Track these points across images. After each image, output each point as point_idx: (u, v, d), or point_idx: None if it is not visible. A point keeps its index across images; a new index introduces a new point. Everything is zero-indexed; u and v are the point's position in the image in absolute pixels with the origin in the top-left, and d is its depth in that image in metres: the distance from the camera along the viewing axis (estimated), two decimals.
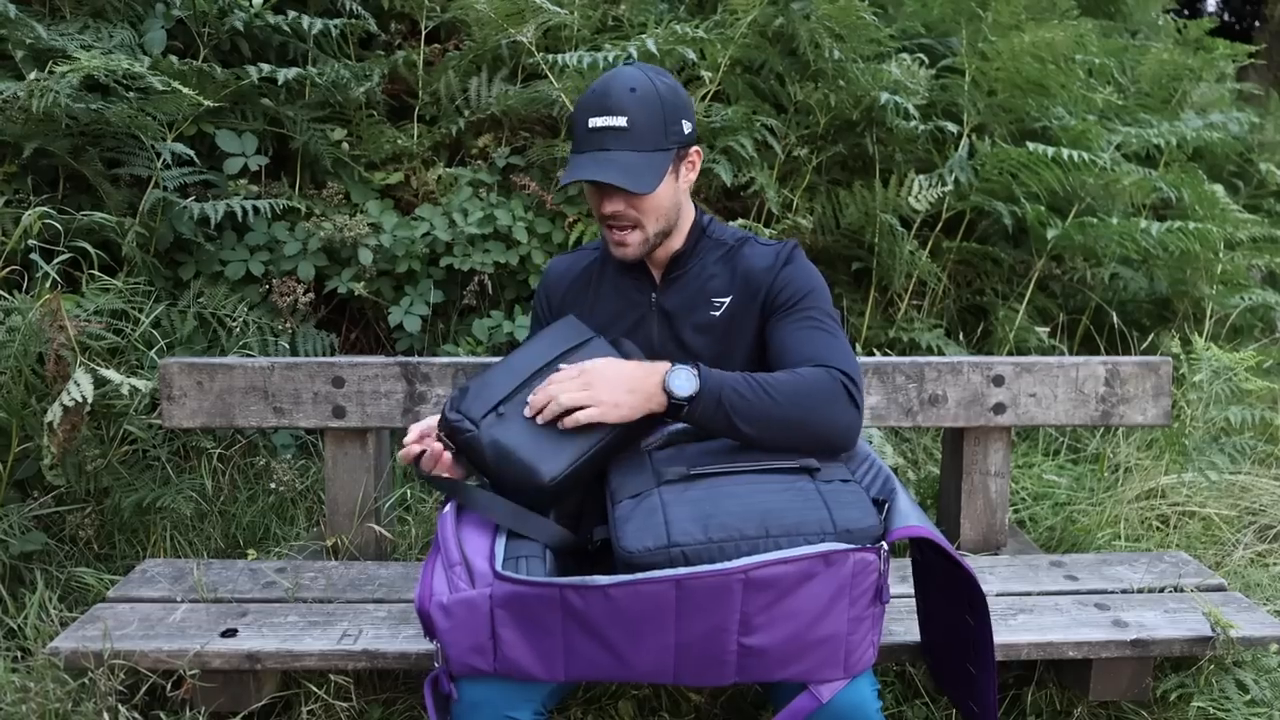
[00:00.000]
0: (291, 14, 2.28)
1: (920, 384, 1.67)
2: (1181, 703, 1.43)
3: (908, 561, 1.52)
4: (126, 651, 1.29)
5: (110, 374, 1.68)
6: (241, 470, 2.13)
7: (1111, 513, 2.01)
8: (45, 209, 1.85)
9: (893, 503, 1.08)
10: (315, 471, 2.19)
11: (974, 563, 1.60)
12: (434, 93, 2.57)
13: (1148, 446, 2.36)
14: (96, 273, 1.95)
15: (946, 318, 2.80)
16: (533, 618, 1.03)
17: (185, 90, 1.96)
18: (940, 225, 2.66)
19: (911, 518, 1.06)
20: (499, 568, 1.06)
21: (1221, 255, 2.86)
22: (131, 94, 2.04)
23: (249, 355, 2.14)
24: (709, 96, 2.43)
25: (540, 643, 1.04)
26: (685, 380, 1.09)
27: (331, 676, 1.42)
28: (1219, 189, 2.84)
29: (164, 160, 2.11)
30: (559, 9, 2.34)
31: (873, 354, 2.47)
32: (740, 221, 2.49)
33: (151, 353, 1.96)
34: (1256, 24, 8.24)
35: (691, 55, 2.35)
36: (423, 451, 1.17)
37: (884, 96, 2.43)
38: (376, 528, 1.72)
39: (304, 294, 2.28)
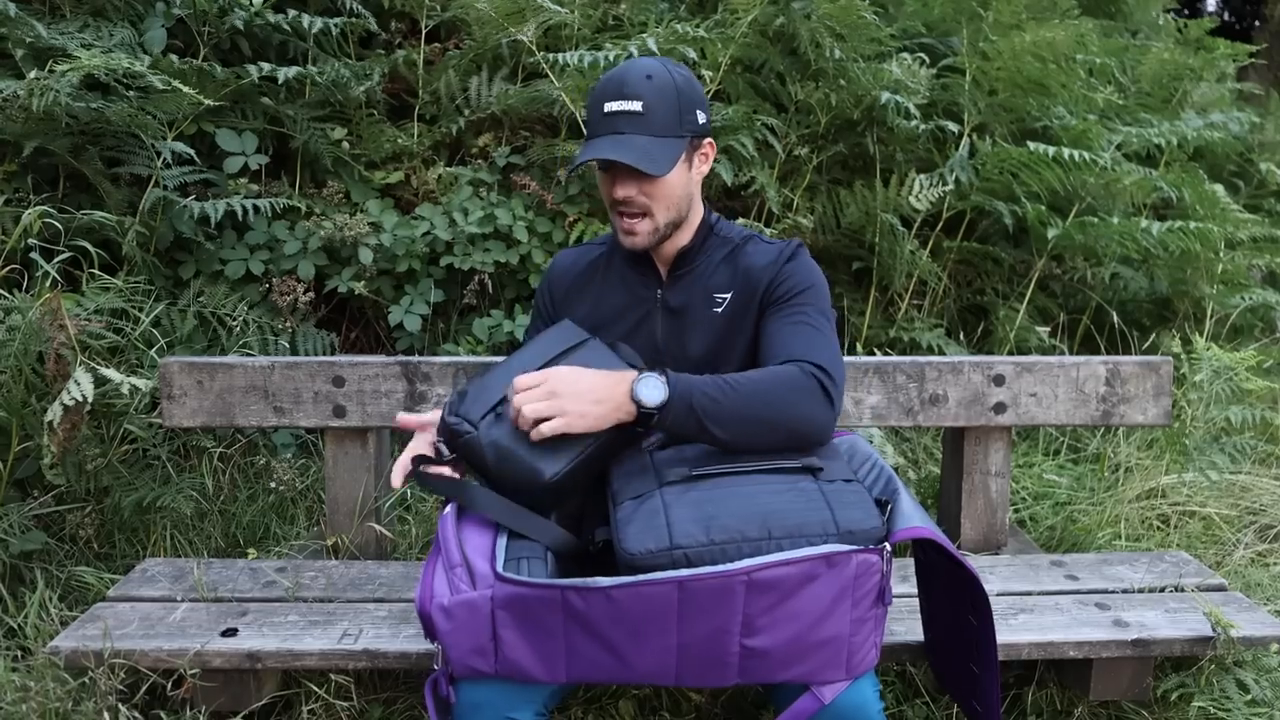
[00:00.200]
0: (292, 13, 2.28)
1: (921, 383, 1.67)
2: (1182, 702, 1.43)
3: (909, 561, 1.52)
4: (127, 651, 1.29)
5: (110, 373, 1.68)
6: (242, 469, 2.13)
7: (1112, 512, 2.01)
8: (45, 208, 1.85)
9: (895, 503, 1.08)
10: (315, 471, 2.18)
11: (974, 562, 1.60)
12: (434, 92, 2.56)
13: (1148, 446, 2.36)
14: (96, 272, 1.95)
15: (947, 317, 2.80)
16: (534, 619, 1.03)
17: (185, 89, 1.96)
18: (941, 225, 2.66)
19: (914, 518, 1.06)
20: (500, 569, 1.06)
21: (1222, 255, 2.86)
22: (132, 93, 2.04)
23: (249, 354, 2.14)
24: (710, 96, 2.43)
25: (542, 644, 1.04)
26: (654, 389, 1.07)
27: (332, 676, 1.42)
28: (1219, 189, 2.84)
29: (164, 159, 2.11)
30: (559, 8, 2.34)
31: (873, 353, 2.47)
32: (741, 221, 2.49)
33: (152, 352, 1.96)
34: (1257, 24, 8.24)
35: (692, 54, 2.35)
36: (419, 461, 1.17)
37: (885, 96, 2.43)
38: (377, 527, 1.72)
39: (304, 293, 2.28)
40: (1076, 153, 2.40)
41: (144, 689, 1.36)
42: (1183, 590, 1.48)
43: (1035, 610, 1.41)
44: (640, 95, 1.15)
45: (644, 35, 2.32)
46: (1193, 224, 2.54)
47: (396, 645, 1.31)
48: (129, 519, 1.88)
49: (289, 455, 2.23)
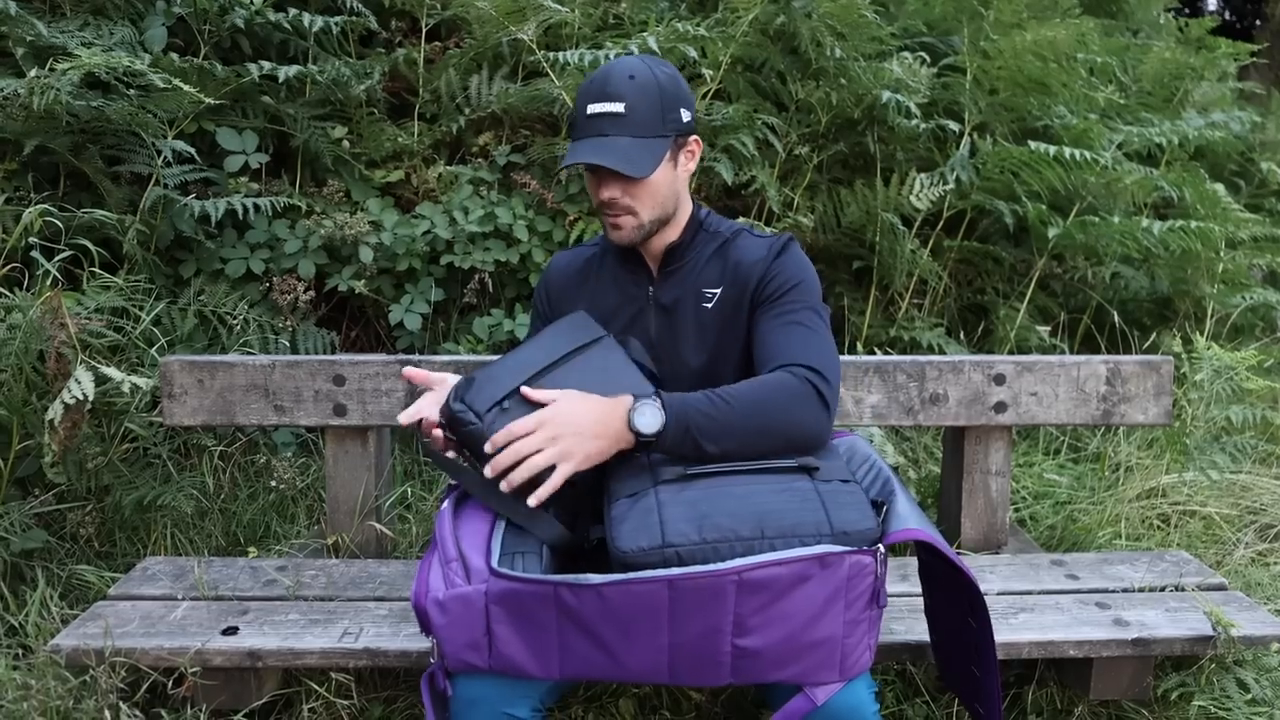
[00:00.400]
0: (292, 11, 2.28)
1: (921, 383, 1.67)
2: (1182, 702, 1.43)
3: (910, 560, 1.52)
4: (127, 649, 1.29)
5: (111, 372, 1.68)
6: (242, 468, 2.13)
7: (1112, 512, 2.01)
8: (46, 206, 1.85)
9: (891, 504, 1.08)
10: (316, 469, 2.19)
11: (975, 561, 1.60)
12: (434, 90, 2.56)
13: (1148, 445, 2.36)
14: (97, 270, 1.95)
15: (947, 316, 2.80)
16: (527, 615, 1.03)
17: (186, 88, 1.96)
18: (941, 224, 2.66)
19: (910, 520, 1.05)
20: (495, 564, 1.06)
21: (1223, 254, 2.86)
22: (132, 91, 2.04)
23: (250, 353, 2.14)
24: (710, 95, 2.43)
25: (535, 640, 1.04)
26: (651, 416, 1.06)
27: (332, 674, 1.42)
28: (1220, 188, 2.83)
29: (164, 158, 2.11)
30: (560, 7, 2.34)
31: (874, 353, 2.47)
32: (741, 220, 2.48)
33: (152, 350, 1.96)
34: (1258, 23, 8.23)
35: (693, 53, 2.35)
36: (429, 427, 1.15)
37: (885, 95, 2.43)
38: (377, 526, 1.72)
39: (304, 292, 2.28)
40: (1077, 152, 2.40)
41: (145, 687, 1.36)
42: (1183, 589, 1.48)
43: (1035, 609, 1.41)
44: (623, 96, 1.15)
45: (644, 34, 2.32)
46: (1194, 223, 2.54)
47: (397, 644, 1.31)
48: (130, 517, 1.89)
49: (289, 454, 2.23)
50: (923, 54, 2.58)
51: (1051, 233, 2.60)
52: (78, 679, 1.32)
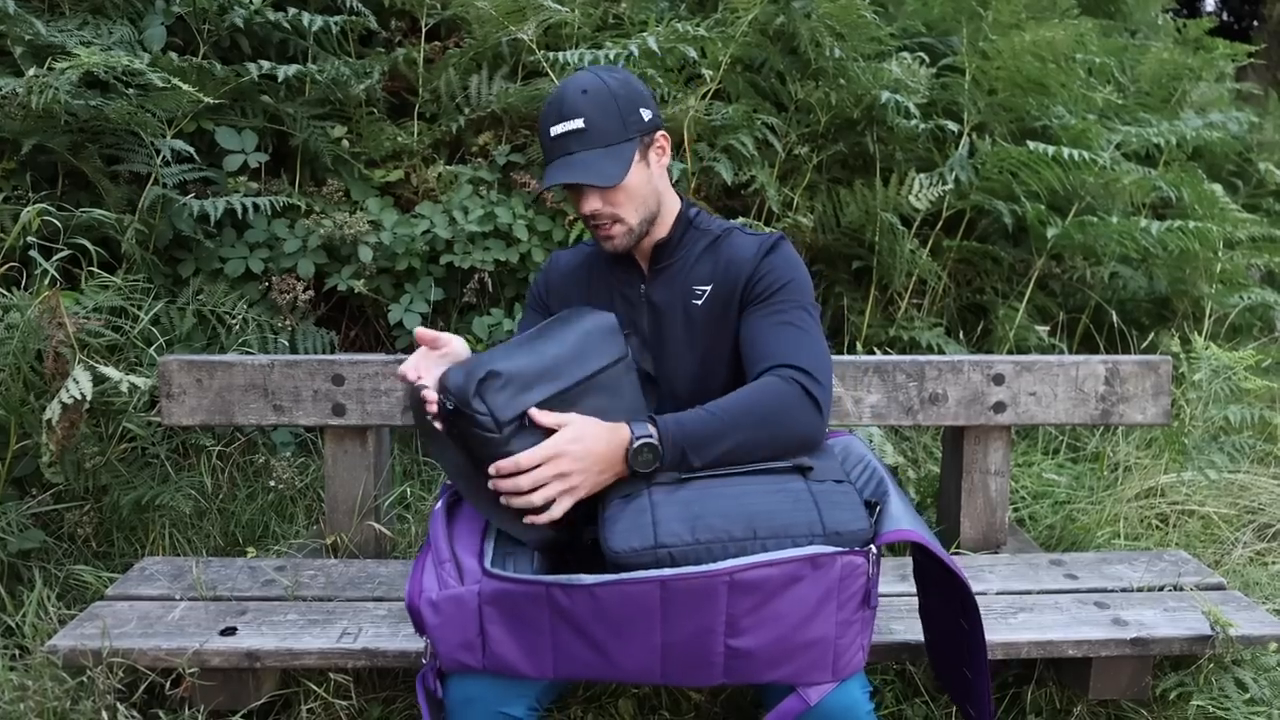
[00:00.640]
0: (292, 11, 2.27)
1: (920, 382, 1.67)
2: (1181, 701, 1.44)
3: (907, 560, 1.52)
4: (125, 650, 1.29)
5: (109, 371, 1.68)
6: (241, 468, 2.13)
7: (1111, 511, 2.01)
8: (44, 206, 1.85)
9: (885, 505, 1.08)
10: (315, 469, 2.18)
11: (974, 561, 1.60)
12: (434, 90, 2.56)
13: (1147, 445, 2.37)
14: (96, 270, 1.95)
15: (947, 316, 2.80)
16: (520, 615, 1.03)
17: (185, 87, 1.95)
18: (940, 224, 2.66)
19: (903, 520, 1.06)
20: (488, 565, 1.06)
21: (1221, 254, 2.86)
22: (131, 91, 2.04)
23: (248, 353, 2.14)
24: (710, 95, 2.43)
25: (528, 640, 1.04)
26: (649, 454, 1.06)
27: (331, 675, 1.42)
28: (1218, 188, 2.84)
29: (163, 157, 2.11)
30: (560, 7, 2.34)
31: (873, 352, 2.47)
32: (741, 220, 2.49)
33: (151, 350, 1.95)
34: (1255, 24, 8.24)
35: (692, 53, 2.35)
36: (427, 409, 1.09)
37: (884, 95, 2.43)
38: (376, 526, 1.72)
39: (304, 291, 2.28)
40: (1076, 152, 2.40)
41: (142, 688, 1.36)
42: (1181, 589, 1.49)
43: (1034, 609, 1.41)
44: (579, 112, 1.17)
45: (644, 34, 2.32)
46: (1192, 223, 2.54)
47: (395, 644, 1.31)
48: (128, 517, 1.88)
49: (288, 454, 2.23)
50: (922, 54, 2.58)
51: (1050, 233, 2.61)
52: (75, 680, 1.32)
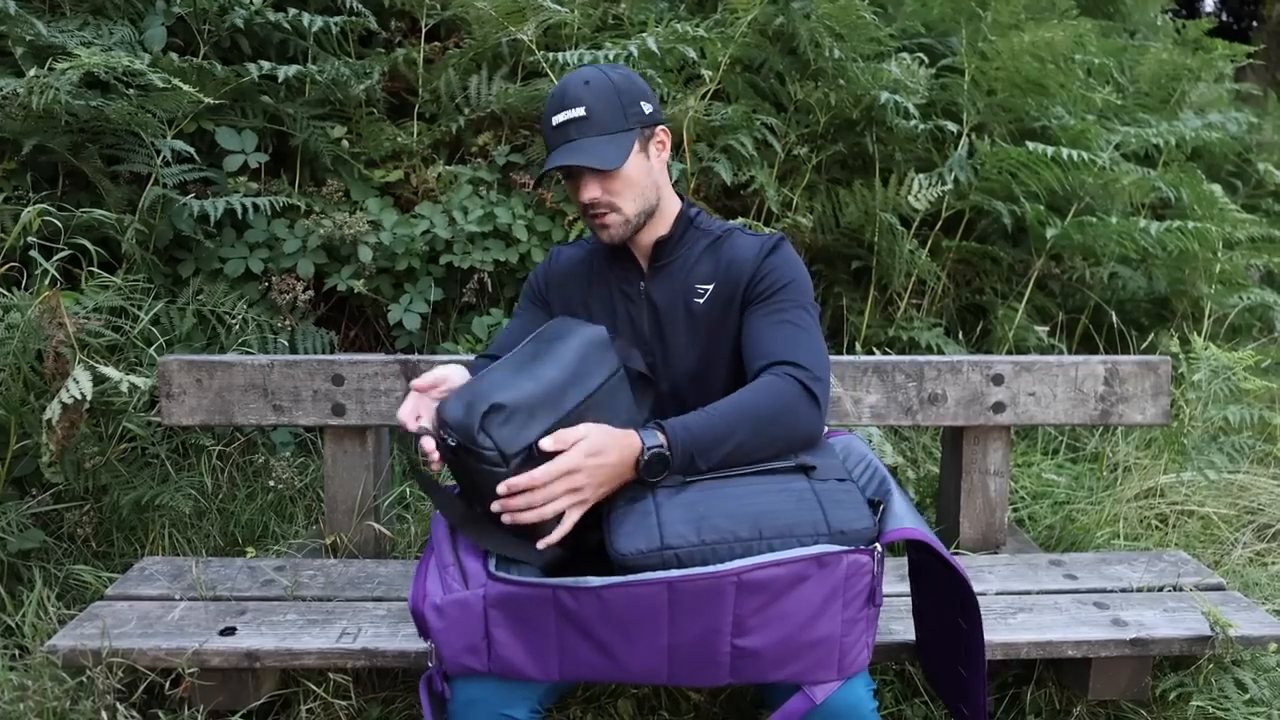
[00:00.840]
0: (292, 11, 2.28)
1: (920, 383, 1.67)
2: (1180, 702, 1.44)
3: (905, 560, 1.52)
4: (125, 650, 1.29)
5: (109, 371, 1.68)
6: (240, 468, 2.13)
7: (1110, 512, 2.01)
8: (45, 206, 1.85)
9: (888, 504, 1.08)
10: (314, 469, 2.18)
11: (973, 561, 1.61)
12: (434, 90, 2.56)
13: (1146, 445, 2.37)
14: (96, 270, 1.95)
15: (946, 316, 2.80)
16: (526, 618, 1.03)
17: (185, 87, 1.96)
18: (940, 224, 2.66)
19: (906, 519, 1.06)
20: (492, 568, 1.06)
21: (1220, 255, 2.86)
22: (131, 91, 2.04)
23: (248, 353, 2.14)
24: (709, 95, 2.43)
25: (534, 643, 1.04)
26: (659, 464, 1.06)
27: (330, 675, 1.42)
28: (1217, 189, 2.84)
29: (164, 157, 2.11)
30: (559, 7, 2.34)
31: (872, 352, 2.47)
32: (740, 220, 2.49)
33: (151, 350, 1.95)
34: (1254, 24, 8.25)
35: (692, 54, 2.35)
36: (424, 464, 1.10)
37: (884, 95, 2.43)
38: (376, 526, 1.72)
39: (303, 291, 2.28)
40: (1075, 152, 2.41)
41: (142, 688, 1.36)
42: (1181, 589, 1.49)
43: (1034, 609, 1.41)
44: (581, 101, 1.19)
45: (644, 34, 2.32)
46: (1191, 224, 2.54)
47: (395, 644, 1.31)
48: (127, 517, 1.88)
49: (288, 454, 2.23)
50: (921, 55, 2.58)
51: (1049, 233, 2.61)
52: (75, 680, 1.32)
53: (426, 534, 1.93)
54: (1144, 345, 2.94)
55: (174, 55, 2.11)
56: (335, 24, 2.34)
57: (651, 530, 1.01)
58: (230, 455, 2.13)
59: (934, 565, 1.15)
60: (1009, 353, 2.61)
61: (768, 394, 1.12)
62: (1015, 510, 2.10)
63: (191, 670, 1.29)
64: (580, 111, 1.18)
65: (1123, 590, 1.48)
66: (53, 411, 1.63)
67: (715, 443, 1.08)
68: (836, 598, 1.00)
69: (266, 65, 2.18)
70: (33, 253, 1.83)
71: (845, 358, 1.68)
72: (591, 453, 1.04)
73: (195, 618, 1.38)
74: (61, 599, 1.66)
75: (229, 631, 1.34)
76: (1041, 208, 2.59)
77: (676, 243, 1.30)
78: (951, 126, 2.55)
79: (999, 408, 1.68)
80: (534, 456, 1.03)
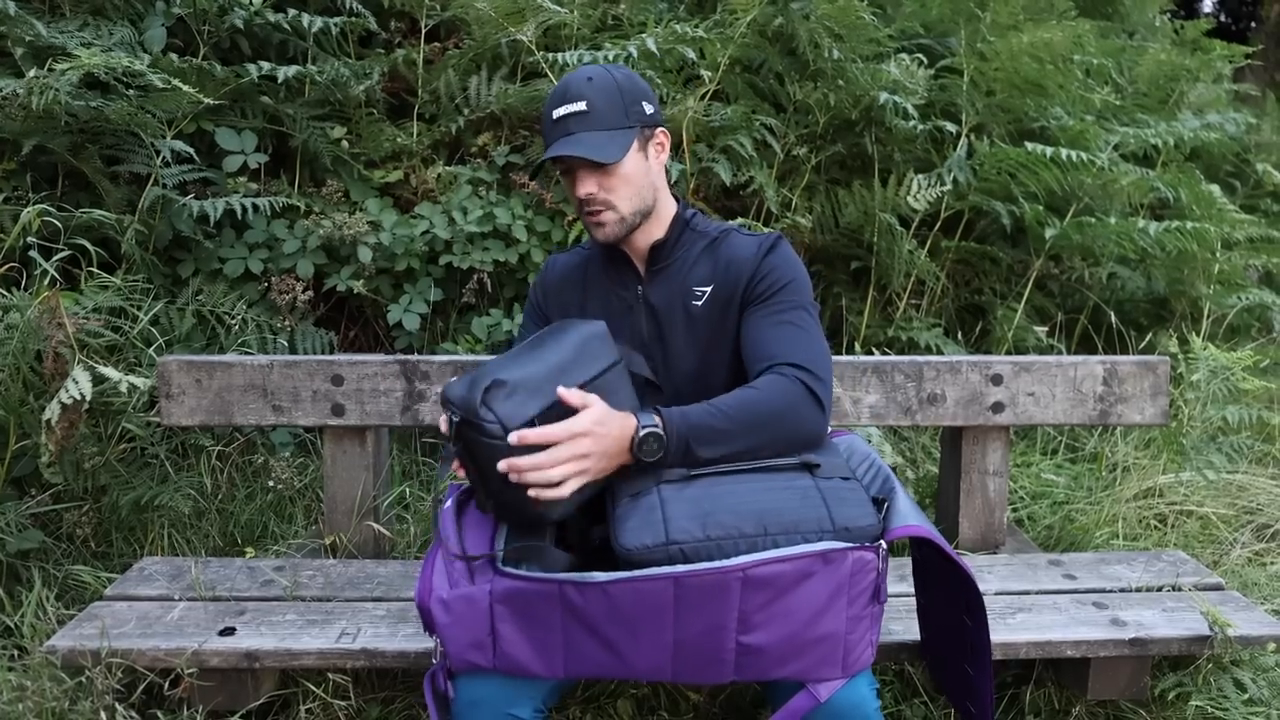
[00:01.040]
0: (291, 12, 2.28)
1: (919, 383, 1.67)
2: (1180, 702, 1.44)
3: (907, 560, 1.52)
4: (124, 650, 1.29)
5: (109, 371, 1.68)
6: (240, 468, 2.13)
7: (1109, 512, 2.01)
8: (44, 206, 1.85)
9: (892, 502, 1.09)
10: (314, 469, 2.18)
11: (972, 561, 1.61)
12: (434, 91, 2.56)
13: (1145, 446, 2.37)
14: (95, 270, 1.95)
15: (945, 317, 2.81)
16: (532, 614, 1.04)
17: (185, 88, 1.96)
18: (939, 225, 2.67)
19: (911, 517, 1.06)
20: (499, 563, 1.06)
21: (1219, 255, 2.87)
22: (131, 91, 2.04)
23: (248, 353, 2.14)
24: (708, 96, 2.43)
25: (540, 639, 1.04)
26: (653, 445, 1.06)
27: (330, 675, 1.42)
28: (1216, 189, 2.84)
29: (163, 158, 2.11)
30: (559, 8, 2.34)
31: (871, 353, 2.47)
32: (739, 220, 2.49)
33: (150, 350, 1.95)
34: (1253, 25, 8.26)
35: (691, 54, 2.35)
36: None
37: (883, 96, 2.44)
38: (375, 526, 1.72)
39: (303, 292, 2.28)
40: (1074, 153, 2.41)
41: (141, 688, 1.36)
42: (1180, 589, 1.49)
43: (1033, 609, 1.41)
44: (583, 96, 1.19)
45: (643, 35, 2.33)
46: (1189, 224, 2.55)
47: (394, 644, 1.31)
48: (126, 518, 1.88)
49: (287, 454, 2.23)
50: (920, 55, 2.59)
51: (1048, 233, 2.61)
52: (74, 680, 1.32)
53: (426, 534, 1.93)
54: (1143, 345, 2.95)
55: (174, 56, 2.11)
56: (335, 25, 2.34)
57: (657, 526, 1.01)
58: (230, 455, 2.13)
59: (938, 563, 1.15)
60: (1008, 353, 2.62)
61: (770, 391, 1.12)
62: (1014, 510, 2.10)
63: (191, 670, 1.29)
64: (581, 106, 1.19)
65: (1122, 590, 1.49)
66: (52, 412, 1.63)
67: (714, 434, 1.08)
68: (841, 594, 1.01)
69: (266, 66, 2.18)
70: (32, 253, 1.83)
71: (844, 358, 1.68)
72: (598, 421, 1.04)
73: (194, 618, 1.38)
74: (60, 599, 1.65)
75: (228, 632, 1.34)
76: (1040, 208, 2.59)
77: (673, 245, 1.30)
78: (950, 127, 2.56)
79: (998, 408, 1.68)
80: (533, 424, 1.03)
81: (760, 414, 1.10)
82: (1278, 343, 3.10)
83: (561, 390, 1.05)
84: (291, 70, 2.21)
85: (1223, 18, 8.51)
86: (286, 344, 2.29)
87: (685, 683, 1.19)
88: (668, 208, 1.30)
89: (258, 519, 2.01)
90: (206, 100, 2.06)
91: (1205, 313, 2.90)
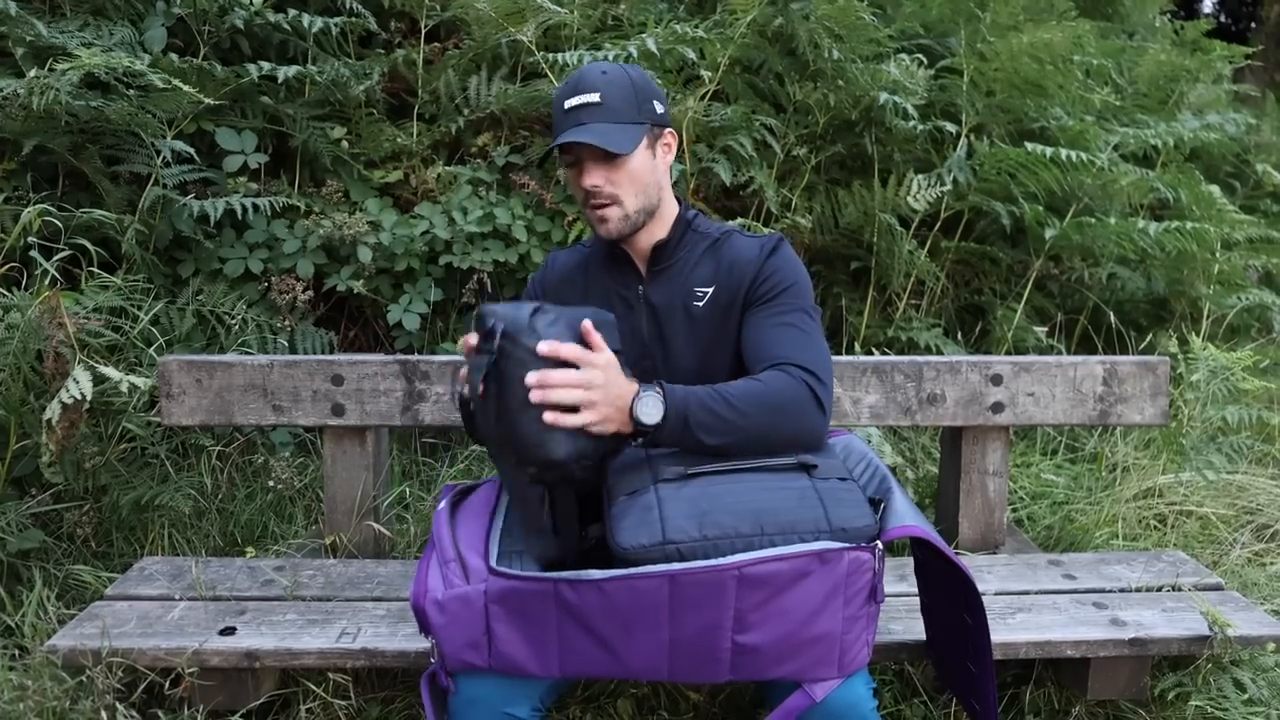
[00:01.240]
0: (292, 12, 2.28)
1: (919, 383, 1.67)
2: (1179, 702, 1.44)
3: (907, 560, 1.52)
4: (124, 649, 1.29)
5: (109, 371, 1.68)
6: (240, 468, 2.13)
7: (1109, 512, 2.01)
8: (45, 206, 1.85)
9: (889, 502, 1.09)
10: (314, 469, 2.18)
11: (972, 561, 1.61)
12: (434, 91, 2.57)
13: (1145, 446, 2.37)
14: (96, 270, 1.95)
15: (945, 317, 2.81)
16: (527, 613, 1.04)
17: (185, 88, 1.96)
18: (939, 225, 2.67)
19: (907, 517, 1.06)
20: (494, 563, 1.06)
21: (1218, 255, 2.87)
22: (132, 91, 2.04)
23: (248, 353, 2.14)
24: (708, 96, 2.43)
25: (535, 638, 1.05)
26: (651, 407, 1.07)
27: (330, 675, 1.42)
28: (1216, 189, 2.84)
29: (164, 158, 2.11)
30: (559, 8, 2.34)
31: (871, 353, 2.47)
32: (739, 221, 2.49)
33: (150, 350, 1.96)
34: (1253, 25, 8.27)
35: (691, 55, 2.35)
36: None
37: (883, 96, 2.44)
38: (375, 526, 1.72)
39: (303, 292, 2.28)
40: (1074, 153, 2.41)
41: (142, 688, 1.36)
42: (1180, 590, 1.49)
43: (1033, 609, 1.41)
44: (596, 88, 1.20)
45: (643, 35, 2.33)
46: (1189, 224, 2.55)
47: (395, 644, 1.31)
48: (127, 517, 1.88)
49: (287, 454, 2.23)
50: (920, 56, 2.59)
51: (1048, 234, 2.61)
52: (74, 679, 1.32)
53: (426, 534, 1.93)
54: (1142, 346, 2.95)
55: (174, 56, 2.11)
56: (335, 25, 2.34)
57: (654, 524, 1.01)
58: (230, 455, 2.13)
59: (937, 563, 1.15)
60: (1008, 353, 2.62)
61: (775, 384, 1.12)
62: (1014, 510, 2.10)
63: (191, 670, 1.29)
64: (595, 97, 1.19)
65: (1121, 590, 1.49)
66: (52, 411, 1.63)
67: (713, 415, 1.08)
68: (838, 594, 1.01)
69: (266, 66, 2.18)
70: (33, 253, 1.83)
71: (844, 358, 1.68)
72: (609, 364, 1.07)
73: (195, 618, 1.38)
74: (61, 599, 1.66)
75: (229, 631, 1.34)
76: (1040, 208, 2.59)
77: (675, 246, 1.30)
78: (950, 127, 2.56)
79: (998, 408, 1.68)
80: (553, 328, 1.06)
81: (762, 404, 1.10)
82: (1278, 343, 3.11)
83: (586, 323, 1.07)
84: (291, 70, 2.21)
85: (1223, 18, 8.51)
86: (286, 344, 2.29)
87: (682, 682, 1.19)
88: (671, 208, 1.30)
89: (258, 519, 2.01)
90: (207, 100, 2.06)
91: (1205, 313, 2.90)
